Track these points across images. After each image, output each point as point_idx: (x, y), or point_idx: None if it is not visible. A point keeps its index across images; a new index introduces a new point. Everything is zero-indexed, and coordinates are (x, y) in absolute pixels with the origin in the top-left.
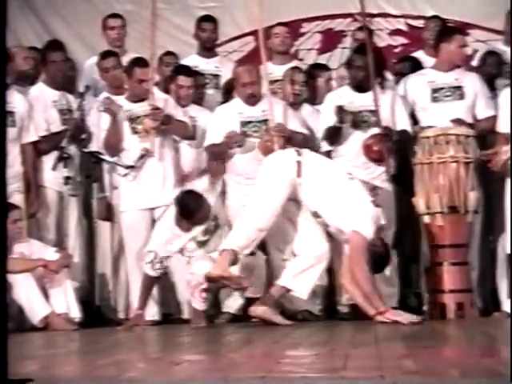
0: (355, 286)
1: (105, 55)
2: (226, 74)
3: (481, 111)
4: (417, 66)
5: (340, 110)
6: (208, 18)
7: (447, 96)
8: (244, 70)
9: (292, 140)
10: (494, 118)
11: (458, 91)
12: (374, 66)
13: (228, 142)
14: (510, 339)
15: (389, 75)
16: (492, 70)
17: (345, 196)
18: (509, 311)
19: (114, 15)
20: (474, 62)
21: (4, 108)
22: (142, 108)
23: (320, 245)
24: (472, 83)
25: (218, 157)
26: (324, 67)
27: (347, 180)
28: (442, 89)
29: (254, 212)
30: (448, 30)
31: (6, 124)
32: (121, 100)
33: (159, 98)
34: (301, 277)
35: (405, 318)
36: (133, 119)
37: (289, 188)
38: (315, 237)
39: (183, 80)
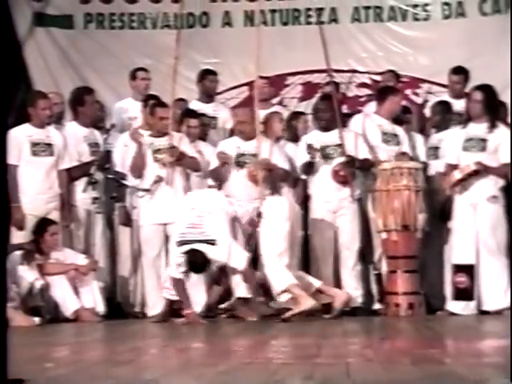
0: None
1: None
2: (221, 117)
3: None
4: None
5: (309, 147)
6: (211, 71)
7: (389, 141)
8: (240, 112)
9: (274, 172)
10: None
11: (396, 138)
12: (337, 110)
13: (220, 157)
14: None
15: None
16: (439, 118)
17: None
18: (452, 310)
19: (143, 69)
20: (426, 110)
21: (6, 111)
22: (161, 142)
23: None
24: (402, 133)
25: (219, 178)
26: (302, 113)
27: None
28: (386, 133)
29: None
30: (393, 88)
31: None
32: (146, 136)
33: (176, 135)
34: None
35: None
36: (155, 151)
37: None
38: None
39: (192, 121)
